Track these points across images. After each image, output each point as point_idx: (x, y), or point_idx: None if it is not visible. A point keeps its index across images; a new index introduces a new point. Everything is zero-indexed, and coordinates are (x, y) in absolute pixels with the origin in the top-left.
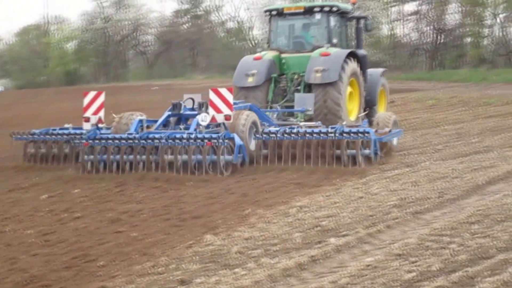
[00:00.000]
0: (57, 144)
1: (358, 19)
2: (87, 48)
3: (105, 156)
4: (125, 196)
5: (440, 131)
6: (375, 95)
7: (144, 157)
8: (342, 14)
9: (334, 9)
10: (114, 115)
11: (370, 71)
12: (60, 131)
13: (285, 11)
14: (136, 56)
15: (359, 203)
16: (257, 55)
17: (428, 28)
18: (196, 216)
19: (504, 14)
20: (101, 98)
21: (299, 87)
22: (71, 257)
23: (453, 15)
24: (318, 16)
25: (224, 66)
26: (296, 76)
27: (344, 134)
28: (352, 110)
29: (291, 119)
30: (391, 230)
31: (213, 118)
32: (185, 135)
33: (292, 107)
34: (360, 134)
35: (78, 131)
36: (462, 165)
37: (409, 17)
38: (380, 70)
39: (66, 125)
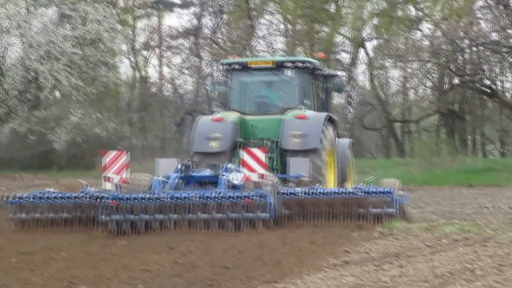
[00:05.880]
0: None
1: (327, 77)
2: None
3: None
4: None
5: None
6: (345, 168)
7: (175, 216)
8: (313, 72)
9: (308, 65)
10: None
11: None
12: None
13: (251, 66)
14: None
15: None
16: (217, 116)
17: None
18: None
19: None
20: (123, 157)
21: (271, 155)
22: None
23: None
24: (288, 72)
25: None
26: (266, 142)
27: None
28: (330, 183)
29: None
30: None
31: (246, 177)
32: (216, 194)
33: None
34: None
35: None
36: None
37: None
38: (347, 140)
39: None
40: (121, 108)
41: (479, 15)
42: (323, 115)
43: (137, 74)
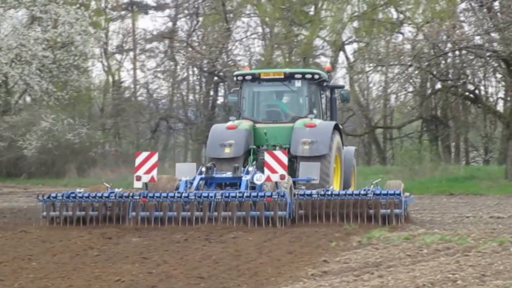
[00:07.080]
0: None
1: (333, 88)
2: None
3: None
4: None
5: None
6: (349, 175)
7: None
8: (321, 83)
9: (316, 76)
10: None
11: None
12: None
13: (262, 77)
14: None
15: None
16: (230, 124)
17: None
18: None
19: None
20: (154, 158)
21: None
22: None
23: None
24: (298, 83)
25: None
26: (278, 149)
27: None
28: (335, 188)
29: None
30: None
31: (268, 178)
32: (240, 193)
33: None
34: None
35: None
36: None
37: None
38: (353, 148)
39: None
40: (94, 113)
41: (462, 18)
42: (331, 123)
43: (110, 79)
